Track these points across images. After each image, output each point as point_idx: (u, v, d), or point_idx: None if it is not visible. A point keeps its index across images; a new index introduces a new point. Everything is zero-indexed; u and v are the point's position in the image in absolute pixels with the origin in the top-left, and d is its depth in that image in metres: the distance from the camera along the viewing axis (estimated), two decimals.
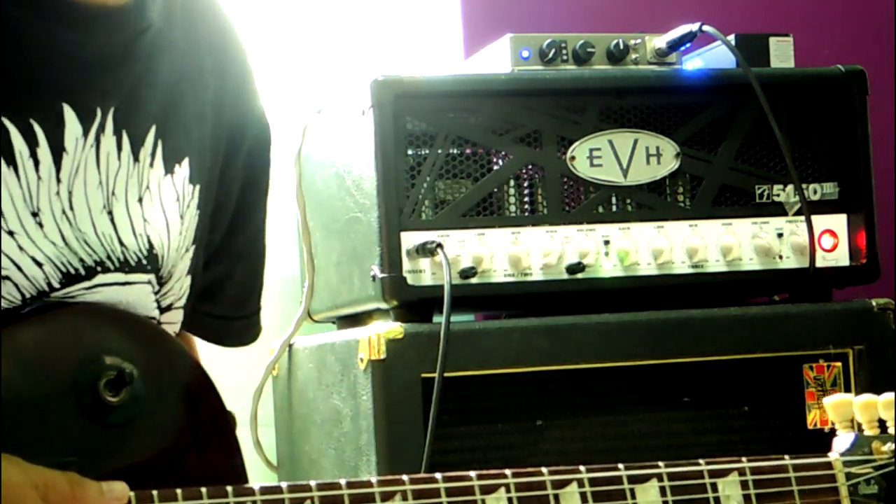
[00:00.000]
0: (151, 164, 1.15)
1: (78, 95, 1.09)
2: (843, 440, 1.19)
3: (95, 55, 1.10)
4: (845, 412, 1.20)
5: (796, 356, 1.95)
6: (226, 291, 1.35)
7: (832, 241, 2.01)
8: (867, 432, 1.19)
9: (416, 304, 1.85)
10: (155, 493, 0.95)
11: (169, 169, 1.16)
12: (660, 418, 1.92)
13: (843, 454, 1.17)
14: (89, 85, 1.10)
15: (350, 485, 0.99)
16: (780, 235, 1.99)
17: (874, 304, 1.96)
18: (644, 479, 1.10)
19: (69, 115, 1.09)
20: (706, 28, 1.99)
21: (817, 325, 1.95)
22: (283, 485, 0.98)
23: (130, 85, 1.13)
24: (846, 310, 1.97)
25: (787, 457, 1.14)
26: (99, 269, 1.09)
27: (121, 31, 1.12)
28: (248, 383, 2.21)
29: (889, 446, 1.17)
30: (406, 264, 1.86)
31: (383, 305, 1.88)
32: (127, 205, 1.12)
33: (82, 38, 1.09)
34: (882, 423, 1.19)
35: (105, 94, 1.11)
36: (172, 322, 1.22)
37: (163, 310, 1.18)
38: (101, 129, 1.10)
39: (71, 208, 1.08)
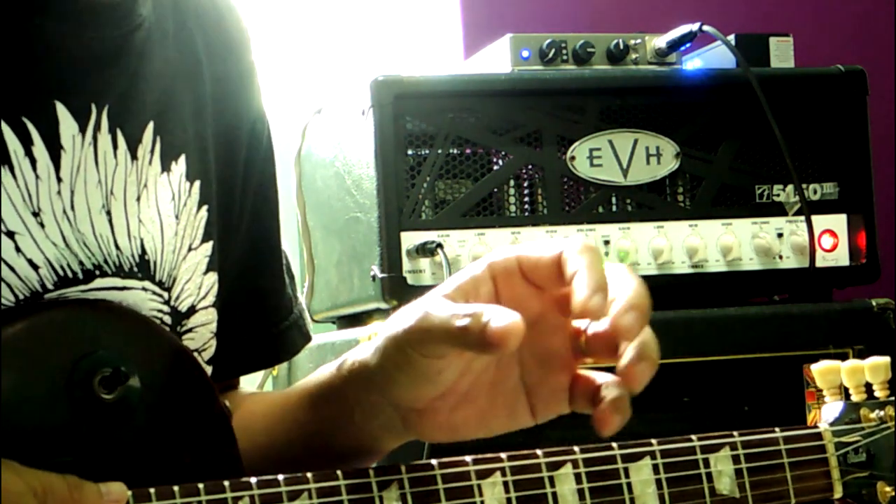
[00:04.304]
0: (150, 162, 1.13)
1: (70, 92, 1.07)
2: (831, 409, 1.17)
3: (87, 51, 1.08)
4: (833, 379, 1.18)
5: (796, 356, 1.94)
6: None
7: (832, 241, 2.01)
8: (854, 398, 1.17)
9: None
10: (153, 490, 0.94)
11: (166, 166, 1.14)
12: (660, 418, 1.92)
13: (832, 423, 1.15)
14: (81, 82, 1.08)
15: (346, 475, 0.99)
16: (780, 235, 1.99)
17: (874, 304, 1.96)
18: (637, 457, 1.10)
19: (62, 112, 1.06)
20: (706, 28, 1.99)
21: (817, 325, 1.95)
22: (280, 477, 0.97)
23: (125, 82, 1.11)
24: (846, 310, 1.96)
25: (777, 429, 1.13)
26: (97, 272, 1.07)
27: (113, 26, 1.10)
28: (248, 383, 2.20)
29: (877, 413, 1.16)
30: (406, 264, 1.86)
31: (383, 305, 1.88)
32: (125, 204, 1.10)
33: (73, 32, 1.07)
34: (869, 388, 1.18)
35: (98, 92, 1.09)
36: (204, 323, 1.19)
37: (184, 314, 1.16)
38: (98, 126, 1.09)
39: (72, 208, 1.06)
